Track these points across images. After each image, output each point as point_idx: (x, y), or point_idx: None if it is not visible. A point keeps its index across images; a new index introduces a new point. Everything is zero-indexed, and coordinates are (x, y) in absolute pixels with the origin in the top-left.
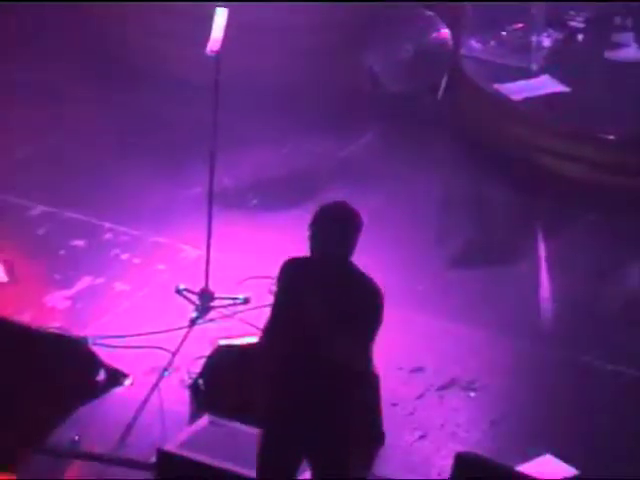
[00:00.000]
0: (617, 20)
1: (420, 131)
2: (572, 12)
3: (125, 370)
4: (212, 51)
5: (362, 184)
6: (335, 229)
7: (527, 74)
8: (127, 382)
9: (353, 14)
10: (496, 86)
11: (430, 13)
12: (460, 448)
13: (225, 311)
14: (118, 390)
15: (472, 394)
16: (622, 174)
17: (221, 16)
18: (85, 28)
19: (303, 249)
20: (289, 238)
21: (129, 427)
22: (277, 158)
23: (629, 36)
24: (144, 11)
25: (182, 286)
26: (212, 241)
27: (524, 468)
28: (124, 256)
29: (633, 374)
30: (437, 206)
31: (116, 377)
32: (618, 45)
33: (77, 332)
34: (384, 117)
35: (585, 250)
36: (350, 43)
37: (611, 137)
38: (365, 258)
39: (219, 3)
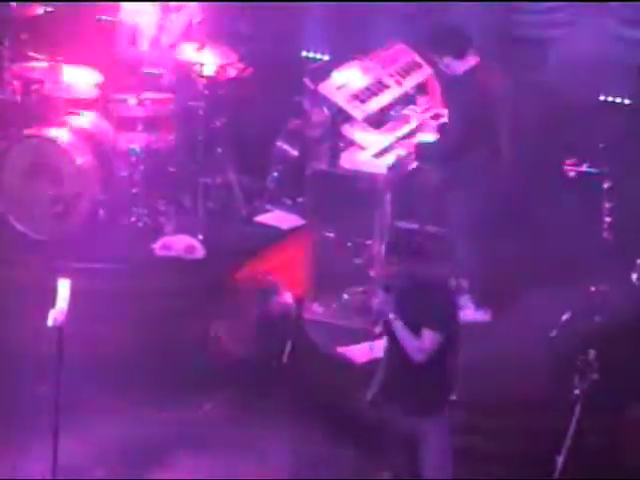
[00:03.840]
0: (452, 282)
1: (265, 396)
2: None
3: None
4: (56, 322)
5: (208, 451)
6: None
7: (370, 337)
8: None
9: (195, 280)
10: (340, 349)
11: (271, 279)
12: None
13: None
14: None
15: None
16: None
17: (64, 288)
18: None
19: None
20: None
21: None
22: (121, 428)
23: (466, 298)
24: None
25: None
26: None
27: None
28: None
29: None
30: (284, 471)
31: None
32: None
33: None
34: (228, 383)
35: None
36: (194, 310)
37: None
38: None
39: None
